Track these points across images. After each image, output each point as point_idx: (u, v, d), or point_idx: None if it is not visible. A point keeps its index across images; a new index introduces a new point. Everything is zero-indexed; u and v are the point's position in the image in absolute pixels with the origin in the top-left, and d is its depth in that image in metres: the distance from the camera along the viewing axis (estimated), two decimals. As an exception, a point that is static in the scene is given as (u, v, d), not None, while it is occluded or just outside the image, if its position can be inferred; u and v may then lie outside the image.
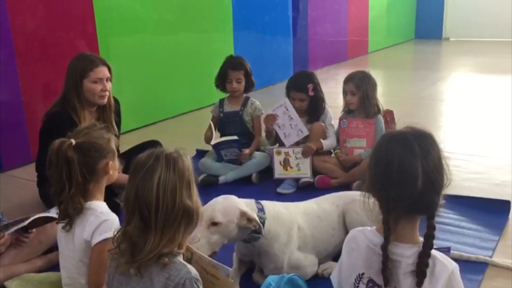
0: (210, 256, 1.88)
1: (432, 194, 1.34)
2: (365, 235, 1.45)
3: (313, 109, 3.35)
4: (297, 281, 1.71)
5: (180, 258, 1.50)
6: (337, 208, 2.33)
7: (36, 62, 3.88)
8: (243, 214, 1.97)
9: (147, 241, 1.43)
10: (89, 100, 2.89)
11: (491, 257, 2.35)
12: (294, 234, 2.17)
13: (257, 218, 2.00)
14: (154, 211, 1.43)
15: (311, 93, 3.29)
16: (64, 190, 1.80)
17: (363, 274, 1.44)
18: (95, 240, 1.79)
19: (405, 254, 1.36)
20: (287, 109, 3.28)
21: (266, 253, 2.11)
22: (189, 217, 1.48)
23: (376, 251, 1.40)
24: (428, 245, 1.34)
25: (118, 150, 1.98)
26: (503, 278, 2.21)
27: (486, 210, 2.79)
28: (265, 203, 2.15)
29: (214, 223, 1.94)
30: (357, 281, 1.44)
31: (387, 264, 1.36)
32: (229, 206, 1.99)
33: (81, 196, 1.83)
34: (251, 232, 2.03)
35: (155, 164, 1.46)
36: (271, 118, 3.30)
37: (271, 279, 1.67)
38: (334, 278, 1.56)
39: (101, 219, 1.81)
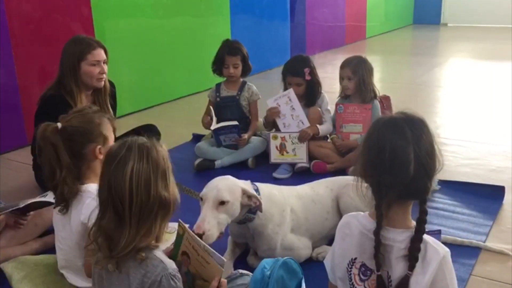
0: (218, 237, 1.91)
1: (424, 179, 1.34)
2: (358, 221, 1.46)
3: (310, 93, 3.35)
4: (292, 264, 1.72)
5: (157, 253, 1.45)
6: (331, 192, 2.34)
7: (32, 45, 3.85)
8: (244, 192, 2.01)
9: (121, 235, 1.38)
10: (86, 83, 2.87)
11: (484, 241, 2.37)
12: (287, 215, 2.19)
13: (256, 195, 2.03)
14: (128, 204, 1.37)
15: (308, 77, 3.29)
16: (55, 174, 1.80)
17: (355, 259, 1.45)
18: (92, 223, 1.79)
19: (397, 239, 1.37)
20: (290, 100, 3.26)
21: (259, 234, 2.13)
22: (165, 209, 1.43)
23: (368, 236, 1.40)
24: (420, 230, 1.35)
25: (114, 134, 1.97)
26: (496, 262, 2.23)
27: (481, 196, 2.81)
28: (259, 185, 2.17)
29: (222, 202, 1.95)
30: (350, 266, 1.45)
31: (379, 249, 1.36)
32: (232, 185, 2.02)
33: (75, 178, 1.82)
34: (246, 212, 2.05)
35: (127, 155, 1.40)
36: (275, 112, 3.28)
37: (266, 262, 1.67)
38: (327, 263, 1.57)
39: (94, 201, 1.81)
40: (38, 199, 2.26)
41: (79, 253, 1.86)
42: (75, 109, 1.95)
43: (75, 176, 1.82)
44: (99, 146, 1.85)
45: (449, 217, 2.62)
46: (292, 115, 3.27)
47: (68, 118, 1.85)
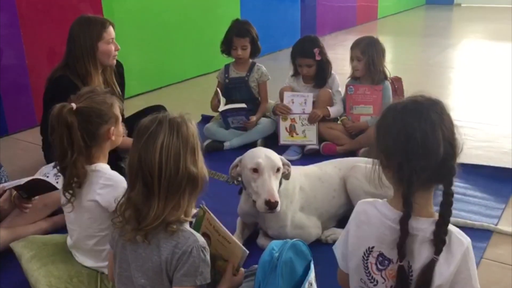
0: None
1: (452, 160, 1.31)
2: (377, 209, 1.40)
3: (320, 73, 3.31)
4: (301, 246, 1.70)
5: (187, 226, 1.48)
6: (339, 171, 2.34)
7: (40, 25, 3.83)
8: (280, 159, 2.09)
9: (150, 207, 1.41)
10: (103, 62, 2.85)
11: (496, 225, 2.34)
12: (296, 193, 2.20)
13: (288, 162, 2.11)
14: (157, 177, 1.40)
15: (318, 58, 3.24)
16: (66, 155, 1.77)
17: (373, 247, 1.39)
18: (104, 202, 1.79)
19: (421, 227, 1.32)
20: (305, 103, 3.23)
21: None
22: (193, 184, 1.45)
23: (389, 225, 1.35)
24: (447, 213, 1.31)
25: (122, 114, 1.95)
26: (508, 245, 2.21)
27: (493, 178, 2.78)
28: None
29: (278, 169, 2.03)
30: (367, 255, 1.40)
31: (405, 239, 1.30)
32: (274, 153, 2.08)
33: (85, 161, 1.81)
34: None
35: (158, 129, 1.43)
36: (286, 111, 3.25)
37: (274, 243, 1.65)
38: (337, 249, 1.52)
39: (108, 181, 1.81)
40: (40, 177, 2.23)
41: (89, 232, 1.87)
42: (86, 89, 1.92)
43: (84, 158, 1.80)
44: (112, 128, 1.85)
45: (460, 199, 2.59)
46: (300, 116, 3.24)
47: (82, 98, 1.82)
